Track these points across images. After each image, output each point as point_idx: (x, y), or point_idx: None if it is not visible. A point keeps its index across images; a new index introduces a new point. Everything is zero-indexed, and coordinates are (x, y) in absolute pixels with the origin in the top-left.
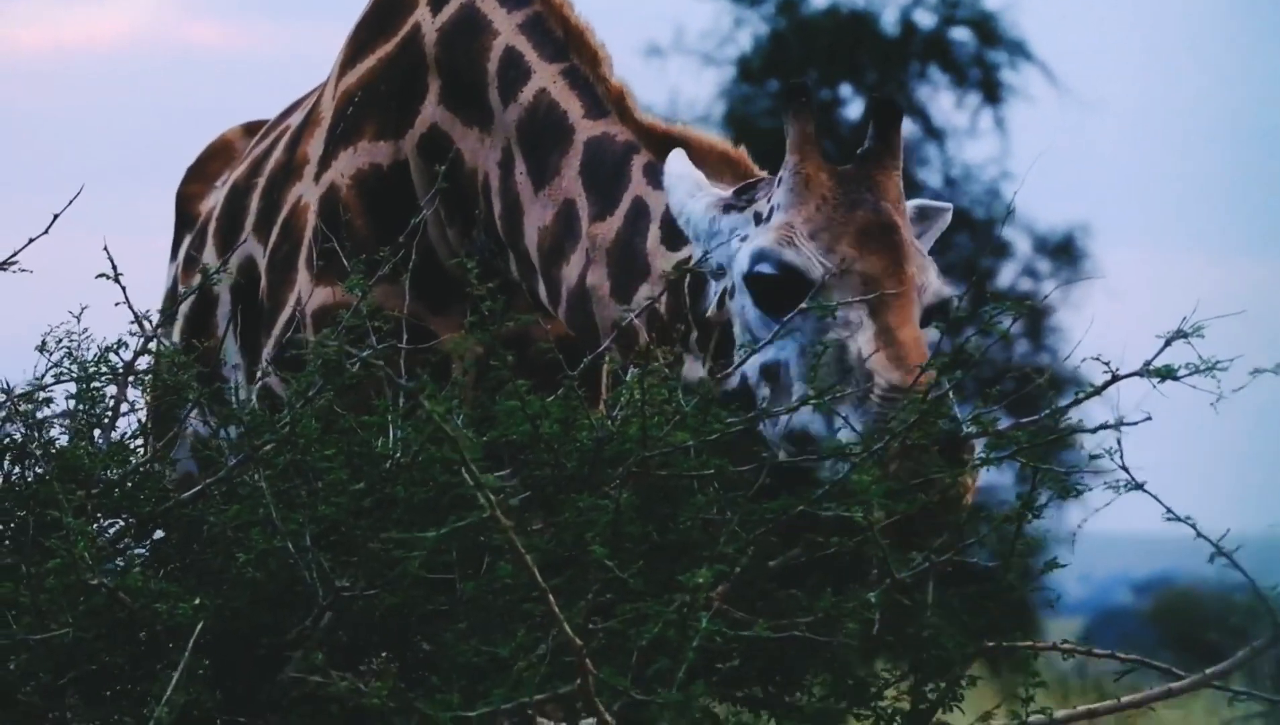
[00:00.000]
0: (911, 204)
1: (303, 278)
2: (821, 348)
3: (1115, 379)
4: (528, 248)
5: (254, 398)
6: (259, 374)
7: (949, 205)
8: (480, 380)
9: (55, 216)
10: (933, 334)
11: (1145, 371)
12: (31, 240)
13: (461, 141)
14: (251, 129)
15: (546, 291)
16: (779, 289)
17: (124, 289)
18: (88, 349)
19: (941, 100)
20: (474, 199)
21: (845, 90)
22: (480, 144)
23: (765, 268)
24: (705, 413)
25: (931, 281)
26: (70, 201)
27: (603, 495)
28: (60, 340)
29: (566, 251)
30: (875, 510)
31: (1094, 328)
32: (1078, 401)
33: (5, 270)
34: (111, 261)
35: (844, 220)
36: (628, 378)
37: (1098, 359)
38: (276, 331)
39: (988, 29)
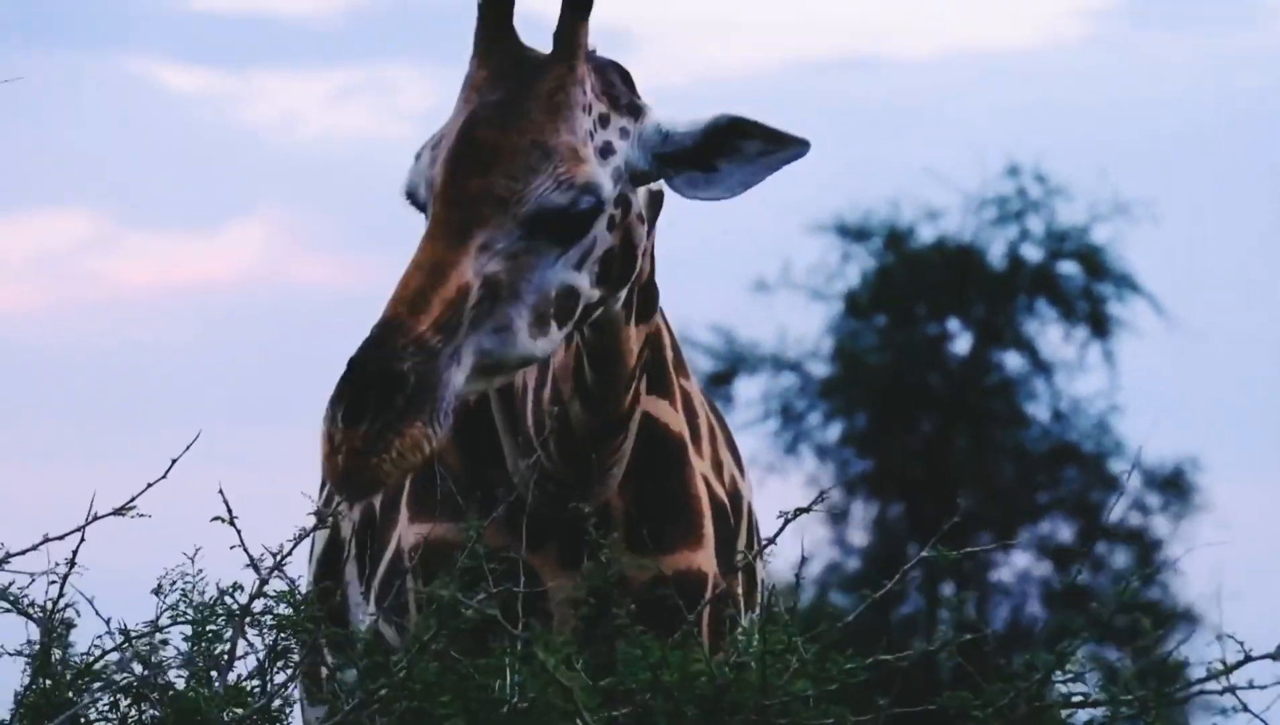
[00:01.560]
0: (725, 115)
1: (403, 517)
2: None
3: (1248, 659)
4: (555, 376)
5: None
6: (363, 616)
7: (805, 140)
8: (594, 623)
9: (173, 462)
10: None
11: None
12: (150, 485)
13: None
14: None
15: (581, 401)
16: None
17: (239, 532)
18: (202, 591)
19: (1049, 334)
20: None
21: (953, 324)
22: None
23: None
24: (824, 659)
25: (539, 188)
26: (188, 447)
27: None
28: (174, 582)
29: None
30: None
31: (1204, 562)
32: (1210, 677)
33: (123, 515)
34: (226, 504)
35: (451, 127)
36: (744, 621)
37: (1231, 637)
38: (381, 571)
39: (1095, 262)
